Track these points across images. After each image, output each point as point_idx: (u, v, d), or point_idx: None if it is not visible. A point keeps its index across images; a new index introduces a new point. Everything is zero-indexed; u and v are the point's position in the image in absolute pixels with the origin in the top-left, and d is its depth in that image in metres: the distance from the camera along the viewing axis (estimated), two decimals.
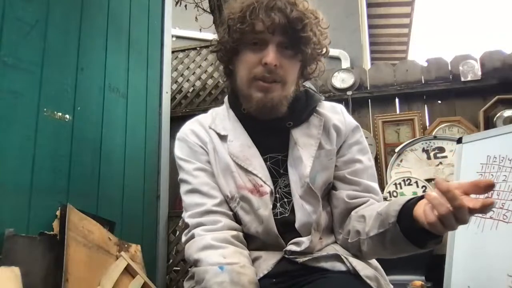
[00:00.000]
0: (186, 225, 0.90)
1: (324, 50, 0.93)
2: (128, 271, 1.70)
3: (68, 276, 1.36)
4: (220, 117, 0.98)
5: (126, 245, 1.80)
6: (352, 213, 0.90)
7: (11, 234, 1.31)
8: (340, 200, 0.92)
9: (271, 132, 0.94)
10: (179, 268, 2.46)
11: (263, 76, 0.86)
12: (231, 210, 0.90)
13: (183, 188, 0.93)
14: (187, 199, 0.91)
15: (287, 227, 0.88)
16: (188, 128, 0.98)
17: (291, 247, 0.87)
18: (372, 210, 0.84)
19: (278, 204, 0.90)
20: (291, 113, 0.93)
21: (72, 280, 1.37)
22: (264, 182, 0.88)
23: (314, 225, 0.87)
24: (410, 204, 0.72)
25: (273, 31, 0.84)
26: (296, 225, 0.88)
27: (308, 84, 1.08)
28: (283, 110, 0.92)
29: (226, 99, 1.02)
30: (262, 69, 0.86)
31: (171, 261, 2.46)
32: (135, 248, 1.86)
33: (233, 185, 0.89)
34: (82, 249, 1.49)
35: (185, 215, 0.90)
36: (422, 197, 0.71)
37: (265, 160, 0.92)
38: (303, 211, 0.88)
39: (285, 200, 0.91)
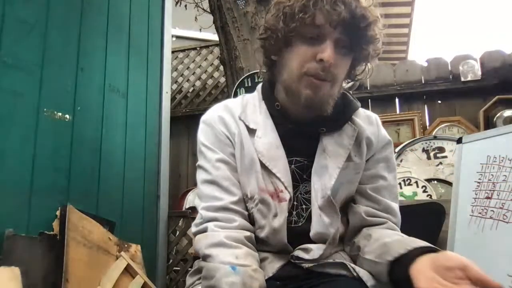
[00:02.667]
0: (199, 215, 0.87)
1: (379, 52, 0.86)
2: (128, 271, 1.70)
3: (68, 276, 1.36)
4: (251, 107, 0.92)
5: (126, 245, 1.80)
6: (364, 229, 0.88)
7: (11, 234, 1.31)
8: (357, 215, 0.89)
9: (301, 135, 0.89)
10: (179, 268, 2.46)
11: (316, 73, 0.80)
12: (247, 209, 0.87)
13: (202, 175, 0.88)
14: (204, 189, 0.87)
15: (299, 236, 0.86)
16: (217, 114, 0.91)
17: (298, 253, 0.84)
18: (382, 236, 0.82)
19: (294, 213, 0.87)
20: (325, 118, 0.88)
21: (72, 280, 1.37)
22: (285, 188, 0.85)
23: (331, 240, 0.84)
24: (413, 255, 0.71)
25: (335, 26, 0.78)
26: (311, 234, 0.85)
27: None
28: (329, 110, 0.85)
29: (259, 88, 0.96)
30: (315, 65, 0.80)
31: (171, 261, 2.46)
32: (135, 248, 1.86)
33: (255, 185, 0.85)
34: (82, 249, 1.49)
35: (200, 205, 0.86)
36: (432, 250, 0.71)
37: (290, 163, 0.88)
38: (321, 222, 0.85)
39: (303, 207, 0.88)
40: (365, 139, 0.90)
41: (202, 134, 0.91)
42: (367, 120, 0.94)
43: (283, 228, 0.84)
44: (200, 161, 0.90)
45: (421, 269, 0.67)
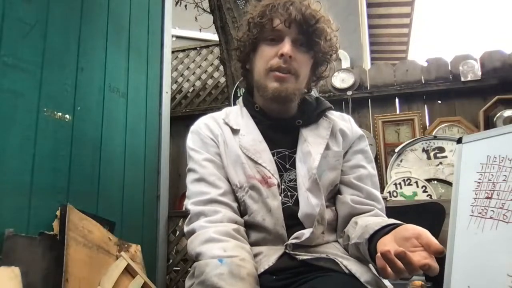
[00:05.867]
0: (188, 213, 0.91)
1: (335, 50, 0.99)
2: (128, 271, 1.70)
3: (68, 276, 1.36)
4: (234, 114, 1.04)
5: (126, 245, 1.80)
6: (352, 218, 0.93)
7: (11, 234, 1.31)
8: (345, 204, 0.95)
9: (281, 129, 1.00)
10: (179, 268, 2.46)
11: (279, 67, 0.92)
12: (237, 201, 0.93)
13: (190, 177, 0.95)
14: (193, 187, 0.93)
15: (290, 217, 0.91)
16: (202, 122, 1.03)
17: (292, 241, 0.88)
18: (366, 221, 0.87)
19: (282, 195, 0.93)
20: (301, 114, 1.00)
21: (72, 280, 1.37)
22: (272, 175, 0.93)
23: (318, 217, 0.89)
24: (384, 232, 0.77)
25: (289, 25, 0.92)
26: (299, 214, 0.91)
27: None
28: (295, 104, 0.99)
29: (239, 100, 1.09)
30: (278, 60, 0.92)
31: (171, 261, 2.46)
32: (135, 248, 1.86)
33: (242, 175, 0.93)
34: (82, 249, 1.50)
35: (188, 202, 0.92)
36: (398, 226, 0.76)
37: (273, 155, 0.96)
38: (308, 203, 0.91)
39: (289, 193, 0.94)
40: (339, 131, 1.02)
41: (190, 141, 1.00)
42: (341, 117, 1.07)
43: (279, 209, 0.90)
44: (189, 165, 0.98)
45: (383, 241, 0.74)
